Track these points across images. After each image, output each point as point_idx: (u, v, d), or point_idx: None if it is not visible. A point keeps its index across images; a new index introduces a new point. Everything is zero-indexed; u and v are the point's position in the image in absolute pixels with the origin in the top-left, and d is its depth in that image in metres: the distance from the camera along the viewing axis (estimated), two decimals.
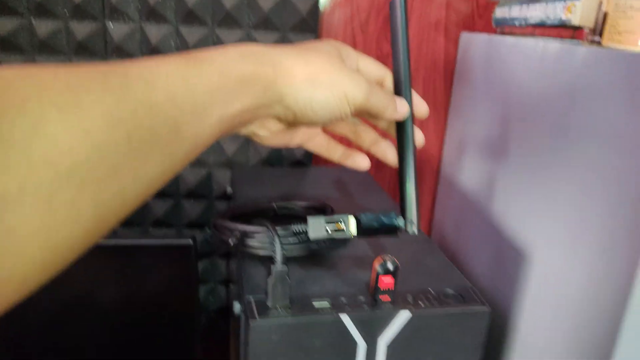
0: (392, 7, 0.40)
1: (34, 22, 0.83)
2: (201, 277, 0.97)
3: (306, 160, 0.92)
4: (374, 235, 0.41)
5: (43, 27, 0.83)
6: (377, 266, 0.46)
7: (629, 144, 0.47)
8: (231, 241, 0.52)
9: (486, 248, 0.76)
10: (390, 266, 0.45)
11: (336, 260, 0.54)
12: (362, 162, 0.45)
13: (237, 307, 0.49)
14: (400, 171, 0.41)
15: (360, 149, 0.45)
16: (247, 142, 0.90)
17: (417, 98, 0.42)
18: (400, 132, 0.42)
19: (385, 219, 0.40)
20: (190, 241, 0.67)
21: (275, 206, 0.62)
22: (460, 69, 0.89)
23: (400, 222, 0.41)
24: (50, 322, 0.70)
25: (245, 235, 0.51)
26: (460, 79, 0.89)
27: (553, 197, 0.59)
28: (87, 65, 0.24)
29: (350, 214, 0.41)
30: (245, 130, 0.38)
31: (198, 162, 0.90)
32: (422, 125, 0.94)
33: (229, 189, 0.82)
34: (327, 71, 0.35)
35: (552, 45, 0.60)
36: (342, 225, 0.40)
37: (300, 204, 0.62)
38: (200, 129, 0.29)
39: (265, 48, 0.35)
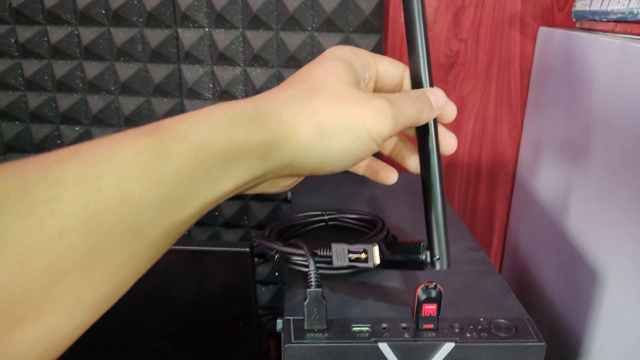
0: (406, 8, 0.34)
1: (112, 30, 0.88)
2: (268, 279, 0.99)
3: None
4: (398, 268, 0.39)
5: (120, 34, 0.88)
6: (419, 293, 0.43)
7: None
8: (276, 257, 0.51)
9: (559, 263, 0.70)
10: (432, 293, 0.43)
11: (382, 280, 0.52)
12: (389, 177, 0.39)
13: (279, 324, 0.49)
14: (424, 189, 0.36)
15: (380, 156, 0.39)
16: None
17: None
18: (423, 137, 0.35)
19: (410, 252, 0.37)
20: (247, 248, 0.67)
21: (326, 217, 0.61)
22: (538, 67, 0.82)
23: (426, 256, 0.36)
24: (120, 320, 0.75)
25: (286, 253, 0.50)
26: (538, 78, 0.82)
27: (635, 213, 0.53)
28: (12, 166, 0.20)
29: (375, 243, 0.38)
30: (251, 191, 0.32)
31: None
32: (496, 126, 0.89)
33: (289, 194, 0.82)
34: (340, 113, 0.28)
35: (631, 46, 0.53)
36: (365, 255, 0.38)
37: (352, 215, 0.61)
38: (172, 225, 0.24)
39: (259, 104, 0.28)
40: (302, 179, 0.36)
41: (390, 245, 0.39)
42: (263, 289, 1.00)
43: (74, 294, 0.20)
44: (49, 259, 0.19)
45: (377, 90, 0.36)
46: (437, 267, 0.36)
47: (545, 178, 0.78)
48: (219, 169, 0.25)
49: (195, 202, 0.24)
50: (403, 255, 0.37)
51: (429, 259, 0.36)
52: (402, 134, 0.38)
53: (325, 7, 0.81)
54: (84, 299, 0.21)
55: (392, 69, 0.35)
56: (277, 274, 0.99)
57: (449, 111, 0.36)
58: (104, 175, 0.21)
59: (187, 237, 0.98)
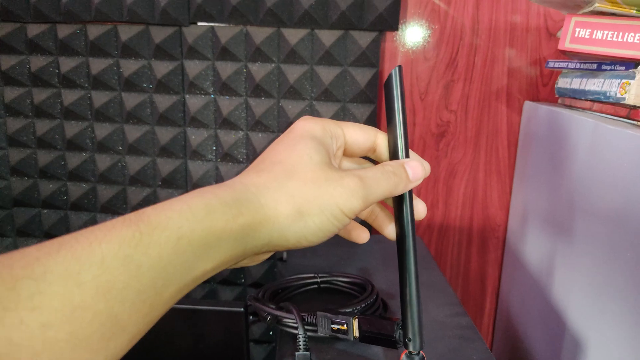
0: (387, 84, 0.36)
1: (123, 95, 0.93)
2: (263, 338, 1.00)
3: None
4: (374, 344, 0.40)
5: (131, 99, 0.93)
6: (402, 358, 0.45)
7: None
8: (268, 319, 0.53)
9: (545, 330, 0.72)
10: (415, 359, 0.45)
11: (368, 347, 0.53)
12: (361, 237, 0.39)
13: None
14: (400, 255, 0.36)
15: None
16: None
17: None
18: (398, 206, 0.36)
19: (385, 330, 0.38)
20: (241, 308, 0.70)
21: (318, 279, 0.63)
22: (524, 138, 0.87)
23: (400, 335, 0.37)
24: None
25: (277, 316, 0.53)
26: (524, 148, 0.86)
27: (613, 288, 0.55)
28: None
29: (356, 317, 0.41)
30: (231, 268, 0.35)
31: None
32: (486, 192, 0.92)
33: (284, 255, 0.85)
34: (315, 195, 0.30)
35: (603, 126, 0.58)
36: (346, 327, 0.41)
37: (343, 279, 0.63)
38: (149, 310, 0.25)
39: (237, 190, 0.29)
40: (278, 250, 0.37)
41: (370, 319, 0.41)
42: (257, 347, 1.00)
43: None
44: (30, 354, 0.20)
45: (347, 154, 0.37)
46: (410, 347, 0.37)
47: (533, 245, 0.80)
48: (198, 254, 0.26)
49: (173, 287, 0.26)
50: (379, 333, 0.39)
51: (402, 339, 0.37)
52: (379, 202, 0.39)
53: (324, 79, 0.87)
54: None
55: (361, 136, 0.36)
56: (271, 332, 1.00)
57: (420, 211, 0.37)
58: (86, 268, 0.22)
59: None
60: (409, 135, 0.88)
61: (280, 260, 0.95)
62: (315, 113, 0.89)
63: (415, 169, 0.35)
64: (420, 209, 0.37)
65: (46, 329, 0.20)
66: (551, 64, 0.77)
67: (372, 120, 0.87)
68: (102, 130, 0.95)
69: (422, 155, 0.90)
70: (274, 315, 0.53)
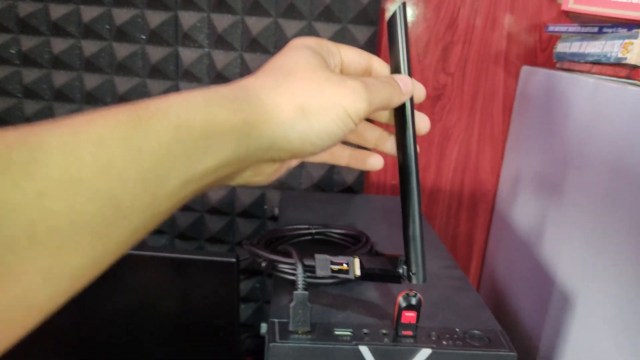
0: (391, 21, 0.36)
1: (114, 45, 0.91)
2: (249, 295, 1.00)
3: (357, 187, 0.93)
4: (377, 280, 0.41)
5: (122, 50, 0.91)
6: (400, 300, 0.45)
7: None
8: (263, 264, 0.53)
9: (533, 288, 0.73)
10: (413, 301, 0.45)
11: (366, 290, 0.54)
12: (375, 162, 0.39)
13: (263, 327, 0.50)
14: (403, 194, 0.36)
15: (366, 149, 0.40)
16: (300, 166, 0.92)
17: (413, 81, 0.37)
18: (400, 120, 0.36)
19: (388, 266, 0.39)
20: (233, 259, 0.69)
21: (313, 231, 0.63)
22: (519, 103, 0.87)
23: (403, 269, 0.38)
24: (101, 326, 0.75)
25: (274, 260, 0.53)
26: (520, 113, 0.86)
27: (607, 245, 0.56)
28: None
29: (357, 255, 0.41)
30: (235, 182, 0.32)
31: None
32: (478, 157, 0.93)
33: (276, 211, 0.85)
34: (317, 93, 0.29)
35: (604, 85, 0.58)
36: (347, 267, 0.41)
37: (337, 230, 0.63)
38: (152, 200, 0.24)
39: (236, 89, 0.29)
40: (284, 169, 0.36)
41: (370, 258, 0.41)
42: (242, 306, 1.01)
43: (51, 260, 0.20)
44: (26, 220, 0.19)
45: (344, 74, 0.37)
46: (414, 281, 0.37)
47: (523, 208, 0.81)
48: (199, 146, 0.25)
49: (176, 179, 0.24)
50: (381, 269, 0.39)
51: (405, 273, 0.38)
52: (383, 126, 0.39)
53: (323, 35, 0.85)
54: (60, 266, 0.21)
55: (357, 58, 0.36)
56: (258, 285, 1.00)
57: (419, 92, 0.37)
58: (84, 143, 0.21)
59: (171, 248, 1.00)
60: None
61: (271, 219, 0.95)
62: None
63: (405, 81, 0.35)
64: (424, 123, 0.38)
65: (42, 197, 0.19)
66: (551, 29, 0.77)
67: (372, 44, 0.85)
68: (92, 81, 0.93)
69: None
70: (271, 260, 0.53)
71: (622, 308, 0.52)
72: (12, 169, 0.19)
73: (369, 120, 0.39)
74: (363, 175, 0.91)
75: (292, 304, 0.45)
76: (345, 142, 0.39)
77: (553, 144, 0.71)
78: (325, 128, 0.30)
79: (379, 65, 0.37)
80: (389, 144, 0.39)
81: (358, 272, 0.41)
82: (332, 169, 0.92)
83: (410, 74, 0.36)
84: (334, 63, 0.35)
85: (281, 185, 0.93)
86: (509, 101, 0.90)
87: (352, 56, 0.36)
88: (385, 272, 0.39)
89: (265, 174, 0.34)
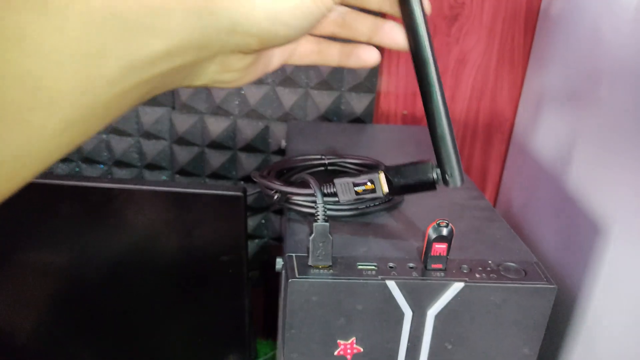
0: None
1: None
2: (255, 232, 0.97)
3: (366, 117, 0.87)
4: (409, 192, 0.35)
5: None
6: (429, 231, 0.41)
7: None
8: (275, 197, 0.49)
9: (557, 220, 0.69)
10: (444, 232, 0.41)
11: (389, 222, 0.50)
12: (369, 55, 0.33)
13: (279, 263, 0.46)
14: (421, 84, 0.31)
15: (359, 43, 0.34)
16: (305, 96, 0.86)
17: None
18: (405, 5, 0.30)
19: (419, 173, 0.34)
20: (240, 192, 0.65)
21: (326, 161, 0.59)
22: (543, 22, 0.80)
23: (437, 174, 0.33)
24: (104, 270, 0.72)
25: (288, 192, 0.48)
26: (543, 33, 0.80)
27: (636, 167, 0.52)
28: None
29: (381, 171, 0.36)
30: (199, 81, 0.27)
31: (256, 115, 0.87)
32: (496, 84, 0.87)
33: (283, 143, 0.80)
34: None
35: None
36: (373, 185, 0.36)
37: (352, 160, 0.58)
38: (87, 83, 0.20)
39: None
40: (260, 67, 0.31)
41: (396, 171, 0.36)
42: (248, 242, 0.98)
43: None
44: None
45: None
46: (451, 184, 0.33)
47: (543, 135, 0.76)
48: (140, 22, 0.21)
49: (114, 60, 0.20)
50: (412, 178, 0.34)
51: (440, 177, 0.33)
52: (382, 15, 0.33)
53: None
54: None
55: None
56: (264, 222, 0.97)
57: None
58: None
59: (172, 182, 0.95)
60: None
61: (275, 153, 0.90)
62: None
63: None
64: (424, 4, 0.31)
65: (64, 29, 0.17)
66: None
67: None
68: None
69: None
70: (284, 192, 0.48)
71: None
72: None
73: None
74: (373, 104, 0.86)
75: (311, 237, 0.41)
76: (333, 39, 0.34)
77: (580, 62, 0.66)
78: (296, 3, 0.24)
79: None
80: (385, 34, 0.32)
81: (386, 189, 0.36)
82: (339, 98, 0.86)
83: None
84: None
85: (286, 116, 0.87)
86: (532, 21, 0.83)
87: None
88: (416, 180, 0.34)
89: (236, 70, 0.28)
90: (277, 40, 0.25)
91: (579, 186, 0.64)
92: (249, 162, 0.92)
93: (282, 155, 0.89)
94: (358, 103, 0.86)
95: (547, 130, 0.76)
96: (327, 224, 0.41)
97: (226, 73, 0.28)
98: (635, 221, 0.53)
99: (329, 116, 0.87)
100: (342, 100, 0.86)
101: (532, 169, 0.79)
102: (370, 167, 0.58)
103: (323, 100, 0.86)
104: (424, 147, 0.72)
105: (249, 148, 0.91)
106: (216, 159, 0.92)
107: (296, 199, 0.48)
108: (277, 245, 0.98)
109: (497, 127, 0.90)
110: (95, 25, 0.20)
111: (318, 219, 0.42)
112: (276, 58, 0.32)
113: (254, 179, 0.52)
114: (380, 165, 0.57)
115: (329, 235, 0.41)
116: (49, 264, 0.73)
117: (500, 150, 0.92)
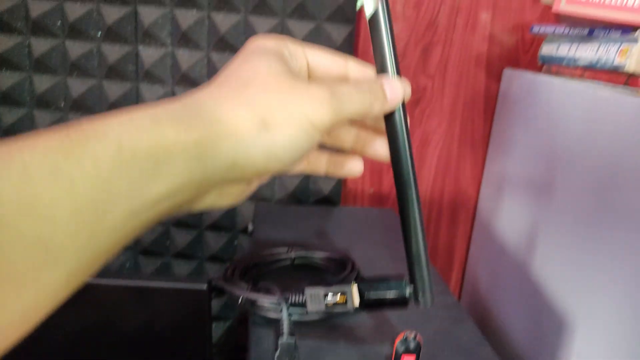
0: (374, 17, 0.31)
1: (67, 43, 0.82)
2: (220, 314, 0.94)
3: (334, 197, 0.88)
4: (380, 309, 0.35)
5: (75, 48, 0.83)
6: (397, 345, 0.41)
7: None
8: (240, 301, 0.48)
9: (523, 310, 0.70)
10: (412, 345, 0.40)
11: (357, 323, 0.49)
12: (354, 166, 0.34)
13: None
14: (401, 202, 0.32)
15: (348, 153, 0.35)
16: (273, 175, 0.86)
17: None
18: (391, 129, 0.31)
19: (392, 290, 0.33)
20: (204, 286, 0.63)
21: (293, 255, 0.58)
22: (501, 107, 0.83)
23: (410, 292, 0.32)
24: (64, 354, 0.68)
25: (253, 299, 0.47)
26: (502, 117, 0.83)
27: (600, 256, 0.53)
28: None
29: (354, 282, 0.35)
30: (198, 207, 0.28)
31: None
32: (459, 164, 0.89)
33: (250, 226, 0.79)
34: (279, 102, 0.26)
35: (602, 93, 0.54)
36: (345, 297, 0.35)
37: (320, 254, 0.58)
38: (90, 238, 0.20)
39: (189, 101, 0.25)
40: (253, 187, 0.32)
41: (368, 284, 0.35)
42: (213, 325, 0.95)
43: None
44: None
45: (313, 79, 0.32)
46: (422, 304, 0.32)
47: (506, 215, 0.78)
48: (146, 170, 0.22)
49: (119, 211, 0.21)
50: (384, 295, 0.34)
51: (412, 296, 0.32)
52: (365, 127, 0.34)
53: (297, 35, 0.79)
54: None
55: (326, 60, 0.32)
56: (229, 303, 0.94)
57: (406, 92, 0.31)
58: (4, 178, 0.18)
59: (134, 269, 0.92)
60: None
61: (242, 233, 0.89)
62: None
63: (394, 87, 0.30)
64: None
65: None
66: (536, 29, 0.74)
67: (348, 45, 0.79)
68: (42, 83, 0.84)
69: None
70: (249, 299, 0.47)
71: (621, 316, 0.49)
72: None
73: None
74: (340, 183, 0.86)
75: (277, 355, 0.40)
76: (321, 146, 0.34)
77: (538, 148, 0.68)
78: (291, 141, 0.26)
79: (356, 68, 0.32)
80: (369, 146, 0.34)
81: (357, 303, 0.35)
82: (307, 178, 0.86)
83: (398, 73, 0.31)
84: (298, 66, 0.30)
85: (254, 195, 0.87)
86: (491, 105, 0.86)
87: (321, 58, 0.31)
88: (389, 298, 0.33)
89: (232, 196, 0.29)
90: (273, 171, 0.27)
91: (542, 273, 0.65)
92: (215, 241, 0.91)
93: (250, 236, 0.88)
94: (326, 183, 0.86)
95: (508, 212, 0.77)
96: (294, 338, 0.40)
97: (224, 199, 0.29)
98: (599, 315, 0.53)
99: (298, 195, 0.87)
100: (310, 179, 0.86)
101: (496, 247, 0.80)
102: (339, 262, 0.57)
103: (291, 179, 0.86)
104: (392, 232, 0.72)
105: (216, 227, 0.89)
106: (182, 238, 0.90)
107: (263, 304, 0.47)
108: (243, 328, 0.95)
109: (462, 205, 0.92)
110: (104, 180, 0.20)
111: (283, 334, 0.40)
112: (265, 177, 0.33)
113: (218, 285, 0.51)
114: (348, 261, 0.56)
115: (296, 353, 0.40)
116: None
117: (465, 228, 0.93)
